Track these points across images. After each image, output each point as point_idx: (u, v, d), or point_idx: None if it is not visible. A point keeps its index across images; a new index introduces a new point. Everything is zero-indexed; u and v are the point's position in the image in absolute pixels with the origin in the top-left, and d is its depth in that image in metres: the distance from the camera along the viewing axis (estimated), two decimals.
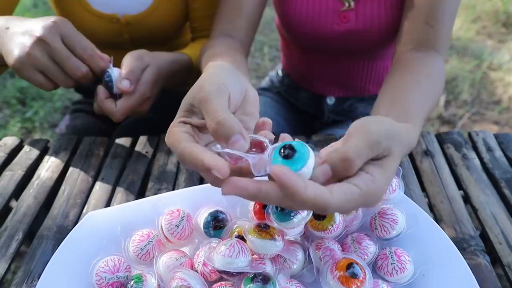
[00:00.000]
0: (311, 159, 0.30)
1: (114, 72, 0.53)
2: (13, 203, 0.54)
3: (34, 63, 0.49)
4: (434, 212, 0.51)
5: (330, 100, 0.81)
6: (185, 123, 0.34)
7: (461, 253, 0.41)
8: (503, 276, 0.45)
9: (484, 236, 0.49)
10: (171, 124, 0.35)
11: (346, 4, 0.65)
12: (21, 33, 0.50)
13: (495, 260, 0.47)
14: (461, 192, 0.54)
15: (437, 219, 0.50)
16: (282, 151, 0.30)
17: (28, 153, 0.61)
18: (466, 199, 0.53)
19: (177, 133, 0.33)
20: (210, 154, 0.30)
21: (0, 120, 1.61)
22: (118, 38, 0.72)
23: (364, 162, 0.31)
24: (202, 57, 0.59)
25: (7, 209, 0.53)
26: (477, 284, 0.38)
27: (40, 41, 0.49)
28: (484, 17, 2.22)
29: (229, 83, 0.35)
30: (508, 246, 0.47)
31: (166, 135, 0.34)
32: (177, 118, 0.35)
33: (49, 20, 0.50)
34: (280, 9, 0.71)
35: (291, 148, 0.30)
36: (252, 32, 0.65)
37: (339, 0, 0.65)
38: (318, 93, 0.82)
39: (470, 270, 0.39)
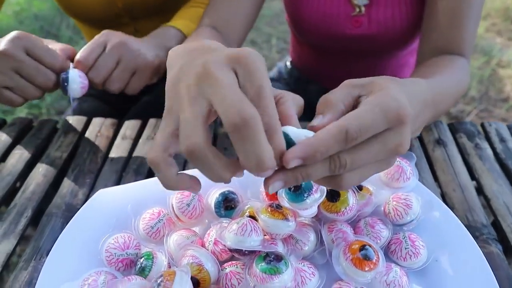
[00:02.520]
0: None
1: (73, 72, 0.52)
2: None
3: (2, 80, 0.48)
4: (446, 200, 0.50)
5: None
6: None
7: None
8: None
9: (496, 225, 0.48)
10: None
11: (357, 9, 0.64)
12: None
13: (508, 249, 0.46)
14: (474, 183, 0.53)
15: (449, 208, 0.49)
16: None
17: (38, 133, 0.61)
18: (479, 188, 0.53)
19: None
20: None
21: (8, 107, 1.61)
22: (112, 7, 0.70)
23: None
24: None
25: (16, 188, 0.53)
26: (491, 271, 0.38)
27: (3, 56, 0.48)
28: (493, 14, 2.19)
29: None
30: None
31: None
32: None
33: (10, 35, 0.50)
34: (291, 9, 0.70)
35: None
36: (244, 33, 0.61)
37: (350, 5, 0.64)
38: (327, 87, 0.81)
39: (484, 257, 0.39)
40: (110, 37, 0.54)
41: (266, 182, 0.28)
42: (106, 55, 0.53)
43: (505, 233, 0.47)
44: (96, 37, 0.54)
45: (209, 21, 0.58)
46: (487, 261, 0.39)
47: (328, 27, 0.66)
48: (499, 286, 0.37)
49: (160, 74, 0.60)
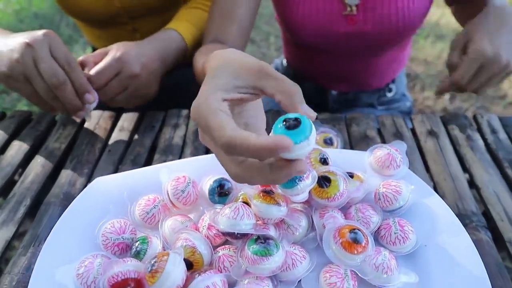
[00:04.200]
0: (313, 134, 0.30)
1: None
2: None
3: (23, 69, 0.50)
4: (437, 189, 0.51)
5: (334, 92, 0.81)
6: (225, 100, 0.33)
7: None
8: (504, 252, 0.45)
9: (486, 214, 0.49)
10: (202, 101, 0.32)
11: (348, 9, 0.65)
12: (11, 42, 0.52)
13: (497, 237, 0.47)
14: (467, 176, 0.54)
15: (440, 196, 0.50)
16: (285, 122, 0.30)
17: (37, 126, 0.62)
18: (470, 179, 0.53)
19: (215, 114, 0.31)
20: (264, 136, 0.28)
21: (8, 104, 1.62)
22: (110, 7, 0.72)
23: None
24: (196, 63, 0.59)
25: (15, 179, 0.54)
26: (479, 256, 0.39)
27: (27, 46, 0.50)
28: None
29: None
30: (510, 223, 0.47)
31: (195, 109, 0.33)
32: (213, 94, 0.33)
33: (40, 31, 0.52)
34: (281, 10, 0.70)
35: (295, 120, 0.30)
36: (244, 38, 0.63)
37: (342, 4, 0.65)
38: (323, 85, 0.82)
39: (473, 243, 0.40)
40: (126, 65, 0.56)
41: None
42: (116, 82, 0.57)
43: (494, 221, 0.47)
44: (113, 57, 0.56)
45: (212, 37, 0.62)
46: (477, 248, 0.40)
47: (320, 25, 0.67)
48: (488, 272, 0.38)
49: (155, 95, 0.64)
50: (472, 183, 0.53)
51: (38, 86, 0.52)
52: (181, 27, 0.67)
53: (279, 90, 0.32)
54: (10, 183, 0.53)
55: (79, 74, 0.53)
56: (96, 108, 0.65)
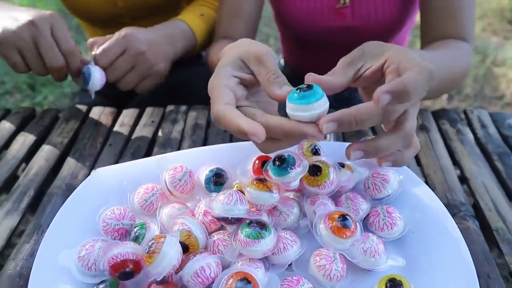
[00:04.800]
0: (325, 97, 0.33)
1: (95, 69, 0.56)
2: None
3: (18, 42, 0.53)
4: (428, 181, 0.53)
5: None
6: (235, 76, 0.37)
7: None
8: (492, 240, 0.47)
9: (476, 206, 0.51)
10: (215, 77, 0.37)
11: (341, 1, 0.67)
12: (19, 12, 0.54)
13: (485, 226, 0.48)
14: (458, 172, 0.55)
15: (430, 188, 0.51)
16: (298, 90, 0.33)
17: (40, 121, 0.64)
18: (460, 171, 0.55)
19: (219, 88, 0.35)
20: (244, 119, 0.33)
21: (11, 105, 1.65)
22: (112, 7, 0.74)
23: None
24: (210, 58, 0.63)
25: (19, 171, 0.56)
26: (464, 241, 0.40)
27: (31, 24, 0.52)
28: (490, 15, 2.22)
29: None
30: (497, 213, 0.48)
31: (209, 85, 0.37)
32: (224, 70, 0.37)
33: (46, 12, 0.54)
34: (276, 6, 0.73)
35: (308, 86, 0.34)
36: (252, 33, 0.67)
37: None
38: None
39: (458, 228, 0.41)
40: (131, 42, 0.58)
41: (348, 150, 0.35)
42: (123, 60, 0.58)
43: (482, 211, 0.49)
44: (118, 36, 0.58)
45: (222, 34, 0.66)
46: (464, 236, 0.41)
47: (313, 20, 0.69)
48: (475, 259, 0.39)
49: (167, 75, 0.65)
50: (463, 177, 0.54)
51: (31, 62, 0.54)
52: (187, 18, 0.70)
53: (263, 79, 0.36)
54: (15, 175, 0.55)
55: (76, 59, 0.55)
56: (98, 104, 0.67)
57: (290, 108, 0.34)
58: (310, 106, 0.33)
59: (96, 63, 0.58)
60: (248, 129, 0.32)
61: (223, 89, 0.35)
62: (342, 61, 0.37)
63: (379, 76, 0.37)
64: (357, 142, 0.35)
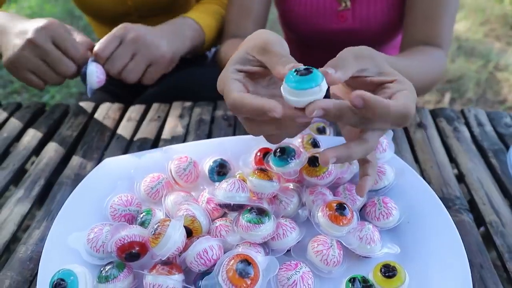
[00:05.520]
0: (324, 84, 0.33)
1: (92, 66, 0.56)
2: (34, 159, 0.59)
3: (25, 64, 0.54)
4: (424, 176, 0.54)
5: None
6: (239, 71, 0.38)
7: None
8: (485, 233, 0.48)
9: (471, 202, 0.52)
10: (223, 73, 0.38)
11: (343, 4, 0.69)
12: (15, 35, 0.55)
13: (479, 219, 0.50)
14: (456, 171, 0.57)
15: (426, 182, 0.53)
16: (296, 72, 0.33)
17: (50, 115, 0.66)
18: (456, 167, 0.57)
19: (229, 81, 0.37)
20: (260, 98, 0.34)
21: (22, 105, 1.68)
22: (122, 5, 0.76)
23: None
24: (220, 56, 0.64)
25: (30, 162, 0.58)
26: (457, 231, 0.42)
27: (30, 43, 0.53)
28: (493, 20, 2.23)
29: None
30: (491, 207, 0.50)
31: (218, 82, 0.38)
32: (231, 66, 0.38)
33: (41, 22, 0.54)
34: (281, 7, 0.75)
35: (306, 69, 0.32)
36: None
37: (336, 0, 0.69)
38: None
39: (451, 219, 0.43)
40: (128, 30, 0.58)
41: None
42: (121, 49, 0.57)
43: (477, 205, 0.50)
44: (115, 29, 0.59)
45: (231, 34, 0.68)
46: (459, 228, 0.43)
47: (315, 22, 0.71)
48: (468, 250, 0.41)
49: (174, 64, 0.64)
50: (459, 173, 0.56)
51: (45, 78, 0.56)
52: (194, 15, 0.70)
53: (273, 64, 0.36)
54: (24, 168, 0.57)
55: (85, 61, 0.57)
56: (106, 100, 0.69)
57: (285, 90, 0.33)
58: (306, 92, 0.32)
59: (96, 60, 0.57)
60: (268, 105, 0.32)
61: (233, 82, 0.37)
62: (348, 52, 0.37)
63: (374, 87, 0.38)
64: (332, 149, 0.35)
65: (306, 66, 0.33)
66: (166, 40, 0.61)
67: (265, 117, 0.34)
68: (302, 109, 0.33)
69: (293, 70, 0.33)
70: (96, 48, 0.58)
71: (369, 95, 0.32)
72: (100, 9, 0.77)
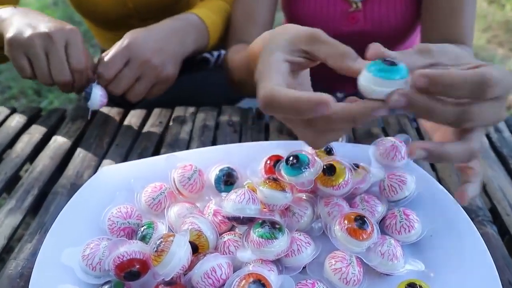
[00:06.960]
0: (409, 78, 0.29)
1: (96, 89, 0.56)
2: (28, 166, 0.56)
3: (28, 47, 0.52)
4: (442, 185, 0.50)
5: (340, 94, 0.82)
6: (286, 61, 0.34)
7: None
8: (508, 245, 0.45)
9: (493, 210, 0.49)
10: (264, 60, 0.34)
11: (354, 6, 0.66)
12: (37, 20, 0.54)
13: (503, 230, 0.47)
14: None
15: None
16: (383, 61, 0.30)
17: (46, 120, 0.63)
18: None
19: (272, 71, 0.33)
20: (303, 92, 0.30)
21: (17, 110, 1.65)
22: (123, 8, 0.73)
23: None
24: (227, 64, 0.62)
25: (24, 169, 0.55)
26: (486, 248, 0.38)
27: (46, 35, 0.52)
28: (495, 27, 2.23)
29: None
30: None
31: (258, 74, 0.34)
32: (277, 54, 0.34)
33: (65, 25, 0.54)
34: (288, 10, 0.73)
35: (392, 62, 0.30)
36: None
37: (347, 2, 0.67)
38: (329, 87, 0.83)
39: (479, 233, 0.40)
40: (135, 52, 0.56)
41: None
42: (127, 71, 0.56)
43: (500, 215, 0.47)
44: (120, 45, 0.56)
45: (236, 39, 0.66)
46: (484, 241, 0.39)
47: (325, 24, 0.68)
48: (495, 265, 0.37)
49: (175, 80, 0.63)
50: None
51: (38, 71, 0.54)
52: (199, 12, 0.68)
53: (329, 54, 0.33)
54: (19, 173, 0.54)
55: (83, 78, 0.55)
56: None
57: (367, 80, 0.30)
58: (394, 83, 0.29)
59: (100, 79, 0.56)
60: (316, 97, 0.28)
61: (273, 73, 0.33)
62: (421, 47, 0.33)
63: None
64: (424, 141, 0.32)
65: (390, 59, 0.30)
66: (172, 59, 0.60)
67: (308, 115, 0.29)
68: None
69: (380, 59, 0.30)
70: (100, 69, 0.56)
71: (432, 71, 0.28)
72: (100, 12, 0.74)
